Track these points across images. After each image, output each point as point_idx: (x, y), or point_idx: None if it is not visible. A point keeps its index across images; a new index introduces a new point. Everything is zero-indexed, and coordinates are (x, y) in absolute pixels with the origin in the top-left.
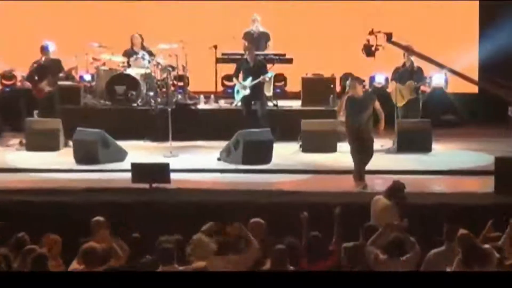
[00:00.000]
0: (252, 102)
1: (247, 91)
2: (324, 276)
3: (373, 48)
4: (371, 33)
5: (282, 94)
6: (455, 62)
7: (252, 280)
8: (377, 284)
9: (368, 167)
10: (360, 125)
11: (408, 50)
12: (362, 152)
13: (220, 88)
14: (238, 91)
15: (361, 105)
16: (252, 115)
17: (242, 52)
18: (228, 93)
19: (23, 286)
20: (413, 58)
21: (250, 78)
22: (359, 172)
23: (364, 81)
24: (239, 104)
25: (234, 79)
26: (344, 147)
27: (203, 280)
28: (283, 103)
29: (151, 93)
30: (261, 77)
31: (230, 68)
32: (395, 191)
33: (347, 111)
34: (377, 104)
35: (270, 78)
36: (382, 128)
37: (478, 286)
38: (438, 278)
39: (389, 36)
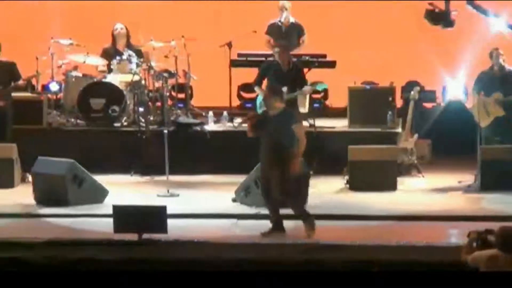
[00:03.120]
0: None
1: None
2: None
3: (442, 15)
4: None
5: (322, 110)
6: None
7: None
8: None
9: (440, 210)
10: (277, 145)
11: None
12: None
13: (236, 102)
14: (262, 106)
15: (272, 124)
16: None
17: (267, 52)
18: (247, 109)
19: None
20: (502, 59)
21: (284, 89)
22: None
23: (282, 92)
24: None
25: (257, 89)
26: (406, 183)
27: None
28: (323, 123)
29: (141, 109)
30: (305, 88)
31: (249, 74)
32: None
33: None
34: (298, 130)
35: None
36: (295, 168)
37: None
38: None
39: None
